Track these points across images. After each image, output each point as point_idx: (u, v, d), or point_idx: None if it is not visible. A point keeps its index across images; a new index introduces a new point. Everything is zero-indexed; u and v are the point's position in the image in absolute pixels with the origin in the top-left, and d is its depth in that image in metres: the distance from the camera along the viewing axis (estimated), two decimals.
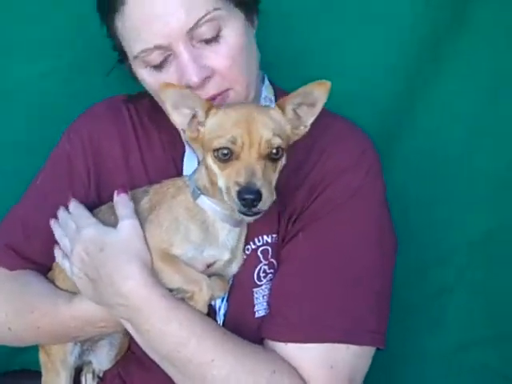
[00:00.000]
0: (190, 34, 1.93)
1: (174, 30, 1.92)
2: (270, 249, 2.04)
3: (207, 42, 1.95)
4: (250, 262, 2.01)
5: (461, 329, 2.71)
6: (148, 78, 2.02)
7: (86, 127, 2.18)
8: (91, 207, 2.06)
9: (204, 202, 1.92)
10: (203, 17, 1.92)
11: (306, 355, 1.91)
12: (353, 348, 1.92)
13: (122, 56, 2.11)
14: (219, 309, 2.04)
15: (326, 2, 2.49)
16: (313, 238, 1.98)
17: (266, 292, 2.02)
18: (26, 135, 2.57)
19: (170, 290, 1.89)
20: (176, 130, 2.00)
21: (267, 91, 2.17)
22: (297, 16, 2.50)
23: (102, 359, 2.19)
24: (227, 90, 1.99)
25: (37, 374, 2.54)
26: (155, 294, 1.86)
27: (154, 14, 1.92)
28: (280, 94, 2.12)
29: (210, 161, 1.83)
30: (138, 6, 1.94)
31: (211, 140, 1.83)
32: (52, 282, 2.12)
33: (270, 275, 2.03)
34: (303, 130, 1.88)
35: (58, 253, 2.04)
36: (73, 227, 1.97)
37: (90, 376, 2.22)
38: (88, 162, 2.15)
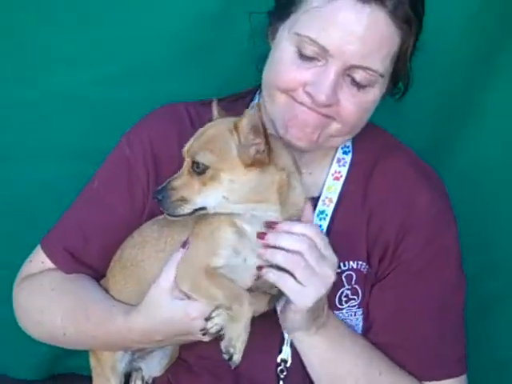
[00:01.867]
0: (351, 67, 1.94)
1: (345, 52, 1.92)
2: (354, 274, 2.09)
3: (353, 83, 1.97)
4: (333, 285, 1.99)
5: None
6: (287, 54, 1.98)
7: (147, 131, 2.17)
8: (150, 214, 2.08)
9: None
10: (370, 69, 1.94)
11: None
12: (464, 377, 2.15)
13: (281, 13, 2.05)
14: None
15: None
16: (419, 287, 2.09)
17: (346, 316, 2.09)
18: (79, 141, 2.59)
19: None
20: None
21: None
22: None
23: (153, 367, 2.20)
24: (333, 119, 2.00)
25: (84, 378, 2.61)
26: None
27: (347, 26, 1.91)
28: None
29: None
30: (345, 5, 1.92)
31: None
32: (105, 289, 2.12)
33: (353, 301, 2.09)
34: (258, 157, 1.86)
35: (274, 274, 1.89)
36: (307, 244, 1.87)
37: (139, 382, 2.23)
38: (148, 166, 2.14)
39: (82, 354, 2.52)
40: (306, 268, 1.82)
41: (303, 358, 2.03)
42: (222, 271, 1.88)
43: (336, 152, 2.16)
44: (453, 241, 2.14)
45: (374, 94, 2.00)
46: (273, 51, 2.06)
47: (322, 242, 1.86)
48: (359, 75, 1.95)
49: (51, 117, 2.59)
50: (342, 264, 2.07)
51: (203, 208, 1.87)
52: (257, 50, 2.20)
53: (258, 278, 1.88)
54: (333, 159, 2.16)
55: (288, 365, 2.08)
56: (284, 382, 2.08)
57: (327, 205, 2.10)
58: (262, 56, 2.11)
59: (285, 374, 2.08)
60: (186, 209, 1.86)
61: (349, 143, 2.17)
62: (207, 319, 1.85)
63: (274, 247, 1.84)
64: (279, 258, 1.84)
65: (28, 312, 2.18)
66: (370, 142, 2.17)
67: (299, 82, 1.96)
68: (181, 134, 2.08)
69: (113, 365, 2.13)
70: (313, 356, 2.01)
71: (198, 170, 1.84)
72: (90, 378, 2.35)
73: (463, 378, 2.13)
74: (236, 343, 1.82)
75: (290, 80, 1.96)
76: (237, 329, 1.83)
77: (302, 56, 1.96)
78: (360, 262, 2.09)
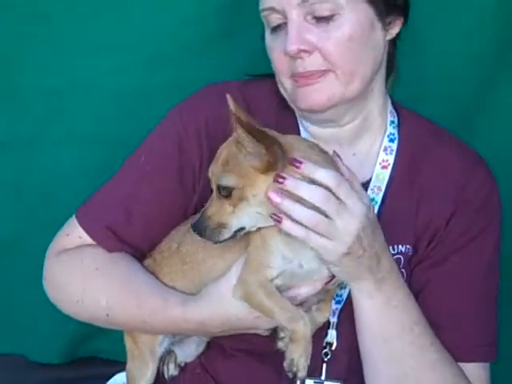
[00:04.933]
0: (303, 5, 1.96)
1: None
2: (402, 258, 2.10)
3: (318, 20, 1.98)
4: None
5: None
6: (266, 38, 2.08)
7: (203, 110, 2.11)
8: (200, 196, 2.06)
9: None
10: None
11: (477, 374, 2.10)
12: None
13: None
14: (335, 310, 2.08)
15: None
16: (461, 263, 2.11)
17: None
18: (103, 129, 2.58)
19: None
20: (294, 114, 2.09)
21: (391, 116, 2.20)
22: None
23: (189, 352, 2.19)
24: (328, 70, 2.00)
25: (106, 362, 2.62)
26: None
27: None
28: (405, 115, 2.21)
29: None
30: None
31: None
32: (152, 273, 2.08)
33: None
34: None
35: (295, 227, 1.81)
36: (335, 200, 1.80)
37: (172, 366, 2.21)
38: (202, 148, 2.09)
39: (104, 338, 2.56)
40: (324, 222, 1.77)
41: (358, 315, 1.99)
42: (279, 282, 1.85)
43: (382, 140, 2.17)
44: (497, 224, 2.17)
45: (348, 27, 1.98)
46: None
47: (344, 190, 1.79)
48: (314, 7, 1.96)
49: (75, 105, 2.58)
50: (391, 248, 2.07)
51: (242, 228, 1.83)
52: None
53: (330, 281, 1.86)
54: (379, 147, 2.17)
55: (333, 348, 2.09)
56: (328, 364, 2.09)
57: (376, 193, 2.11)
58: None
59: (329, 357, 2.09)
60: (226, 233, 1.82)
61: (394, 131, 2.18)
62: (278, 338, 1.89)
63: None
64: (297, 212, 1.77)
65: (65, 289, 2.12)
66: (416, 129, 2.19)
67: (283, 56, 2.00)
68: None
69: (152, 348, 2.10)
70: (368, 310, 1.96)
71: (225, 193, 1.80)
72: (112, 362, 2.38)
73: (487, 365, 2.14)
74: (298, 363, 1.82)
75: (278, 59, 2.03)
76: (297, 350, 1.82)
77: (274, 29, 2.03)
78: (408, 246, 2.11)
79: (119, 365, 2.27)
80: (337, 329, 2.08)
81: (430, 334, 2.03)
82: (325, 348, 2.09)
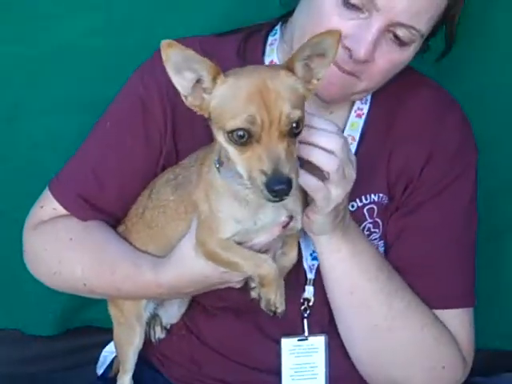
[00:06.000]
0: (396, 24, 1.90)
1: (394, 8, 1.87)
2: (375, 208, 2.10)
3: (395, 39, 1.93)
4: (356, 219, 2.03)
5: None
6: (329, 3, 1.90)
7: (162, 68, 1.96)
8: (167, 157, 2.04)
9: (226, 175, 1.76)
10: (413, 28, 1.91)
11: (457, 320, 2.10)
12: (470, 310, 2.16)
13: None
14: (312, 266, 2.08)
15: None
16: (436, 210, 2.10)
17: None
18: (83, 93, 2.54)
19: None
20: None
21: None
22: None
23: (172, 314, 2.21)
24: (359, 78, 1.97)
25: (100, 331, 2.63)
26: None
27: None
28: None
29: (223, 140, 1.66)
30: None
31: (222, 118, 1.65)
32: (126, 239, 2.09)
33: (374, 234, 2.10)
34: (316, 83, 1.73)
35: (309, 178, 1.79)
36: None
37: (158, 329, 2.24)
38: (165, 107, 2.05)
39: (97, 306, 2.55)
40: (339, 170, 1.76)
41: (326, 270, 2.01)
42: (236, 239, 1.83)
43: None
44: (473, 169, 2.16)
45: (409, 53, 1.98)
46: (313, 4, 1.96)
47: (347, 144, 1.82)
48: (402, 32, 1.91)
49: (54, 70, 2.53)
50: (363, 198, 2.09)
51: None
52: None
53: (287, 225, 1.84)
54: None
55: (311, 303, 2.10)
56: (308, 320, 2.10)
57: (350, 142, 2.08)
58: None
59: (308, 312, 2.10)
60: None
61: None
62: (251, 289, 1.91)
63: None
64: (317, 156, 1.74)
65: (43, 261, 2.15)
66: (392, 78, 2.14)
67: (342, 36, 1.86)
68: None
69: (138, 313, 2.12)
70: (337, 264, 1.98)
71: (298, 130, 1.64)
72: (106, 330, 2.39)
73: (469, 310, 2.15)
74: (275, 302, 1.83)
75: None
76: (270, 291, 1.83)
77: (347, 3, 1.88)
78: (381, 195, 2.10)
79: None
80: (313, 285, 2.09)
81: (395, 280, 2.04)
82: (303, 304, 2.10)
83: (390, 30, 1.91)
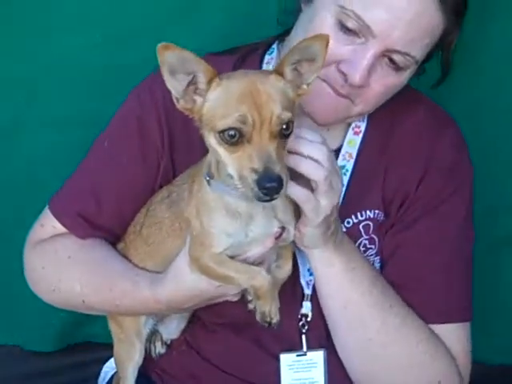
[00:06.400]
0: (391, 50, 1.93)
1: (389, 36, 1.90)
2: (371, 224, 2.11)
3: (390, 64, 1.96)
4: (351, 235, 2.05)
5: None
6: (326, 26, 1.92)
7: (159, 87, 2.00)
8: (164, 173, 2.07)
9: (217, 187, 1.78)
10: (408, 55, 1.94)
11: (454, 335, 2.10)
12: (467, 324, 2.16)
13: None
14: (309, 281, 2.09)
15: None
16: (432, 226, 2.11)
17: None
18: (79, 109, 2.56)
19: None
20: None
21: None
22: None
23: (172, 330, 2.23)
24: (354, 102, 2.00)
25: (100, 347, 2.64)
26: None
27: (397, 9, 1.88)
28: None
29: (214, 142, 1.67)
30: None
31: (213, 119, 1.66)
32: (125, 256, 2.12)
33: (370, 250, 2.12)
34: (306, 89, 1.75)
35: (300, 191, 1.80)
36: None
37: (158, 344, 2.26)
38: (162, 125, 2.08)
39: (98, 322, 2.56)
40: (326, 179, 1.78)
41: (320, 285, 2.02)
42: (228, 253, 1.84)
43: None
44: (468, 186, 2.17)
45: (404, 77, 2.01)
46: (309, 17, 2.00)
47: (333, 155, 1.83)
48: (397, 57, 1.94)
49: (51, 86, 2.57)
50: (359, 214, 2.10)
51: None
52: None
53: (280, 236, 1.85)
54: None
55: (309, 319, 2.11)
56: (307, 335, 2.11)
57: (347, 160, 2.12)
58: (286, 10, 2.10)
59: (306, 327, 2.11)
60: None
61: None
62: (248, 302, 1.92)
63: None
64: (305, 165, 1.76)
65: (42, 279, 2.18)
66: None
67: (335, 57, 1.92)
68: None
69: (138, 330, 2.14)
70: (330, 278, 2.00)
71: (288, 132, 1.66)
72: (106, 346, 2.38)
73: (466, 325, 2.16)
74: (270, 313, 1.85)
75: (328, 54, 1.74)
76: (265, 303, 1.85)
77: (343, 28, 1.92)
78: (376, 211, 2.12)
79: None
80: (311, 300, 2.10)
81: (389, 295, 2.05)
82: (301, 320, 2.12)
83: (385, 55, 1.94)
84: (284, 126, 1.64)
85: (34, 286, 2.22)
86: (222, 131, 1.63)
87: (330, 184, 1.80)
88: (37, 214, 2.26)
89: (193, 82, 1.70)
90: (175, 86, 1.69)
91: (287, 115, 1.64)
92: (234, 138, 1.62)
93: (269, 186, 1.60)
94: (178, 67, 1.67)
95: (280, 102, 1.64)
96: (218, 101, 1.68)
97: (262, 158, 1.61)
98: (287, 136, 1.67)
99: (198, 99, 1.70)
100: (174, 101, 1.72)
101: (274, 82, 1.69)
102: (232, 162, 1.65)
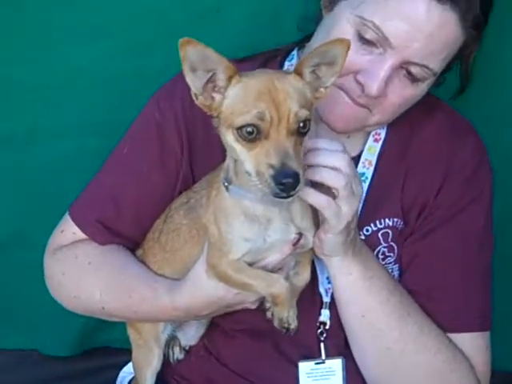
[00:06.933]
0: (409, 63, 1.93)
1: (408, 48, 1.90)
2: (390, 232, 2.11)
3: (408, 76, 1.96)
4: (370, 243, 2.06)
5: None
6: (345, 35, 1.86)
7: (178, 94, 2.07)
8: (183, 180, 2.07)
9: (235, 192, 1.79)
10: (427, 67, 1.95)
11: (473, 344, 2.10)
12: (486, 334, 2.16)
13: None
14: (328, 289, 2.10)
15: None
16: (451, 234, 2.11)
17: None
18: (97, 117, 2.58)
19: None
20: None
21: None
22: None
23: (190, 336, 2.23)
24: (371, 112, 2.01)
25: (118, 352, 2.65)
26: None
27: (416, 22, 1.88)
28: None
29: (231, 139, 1.69)
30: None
31: (232, 116, 1.68)
32: (144, 263, 2.13)
33: (389, 258, 2.12)
34: (323, 92, 1.76)
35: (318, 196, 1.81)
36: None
37: (177, 349, 2.26)
38: (181, 132, 2.09)
39: (115, 327, 2.57)
40: (347, 186, 1.79)
41: (338, 293, 2.03)
42: (247, 259, 1.85)
43: None
44: (488, 194, 2.17)
45: (422, 89, 2.01)
46: (328, 26, 2.01)
47: (352, 161, 1.83)
48: (415, 69, 1.95)
49: (66, 95, 2.58)
50: (378, 222, 2.11)
51: None
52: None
53: (297, 242, 1.86)
54: None
55: (327, 327, 2.11)
56: (325, 343, 2.12)
57: (367, 167, 2.13)
58: (306, 17, 2.10)
59: (325, 335, 2.12)
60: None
61: None
62: (266, 309, 1.92)
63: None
64: (324, 174, 1.77)
65: (63, 285, 2.19)
66: None
67: (353, 67, 1.93)
68: None
69: (156, 336, 2.15)
70: (348, 286, 2.00)
71: (305, 130, 1.68)
72: (124, 351, 2.40)
73: (485, 333, 2.15)
74: (288, 319, 1.86)
75: (346, 64, 1.75)
76: (283, 310, 1.86)
77: (362, 39, 1.93)
78: (395, 219, 2.12)
79: (131, 353, 2.29)
80: (330, 308, 2.10)
81: (407, 304, 2.05)
82: (319, 328, 2.12)
83: (403, 67, 1.94)
84: (301, 124, 1.66)
85: (54, 292, 2.23)
86: (240, 127, 1.65)
87: (351, 190, 1.81)
88: (55, 220, 2.28)
89: (211, 80, 1.72)
90: (195, 82, 1.71)
91: (305, 113, 1.66)
92: (252, 134, 1.64)
93: (285, 182, 1.61)
94: (198, 64, 1.68)
95: (297, 101, 1.66)
96: (237, 98, 1.69)
97: (279, 154, 1.63)
98: (304, 134, 1.68)
99: (217, 96, 1.72)
100: (193, 97, 1.74)
101: (292, 81, 1.71)
102: (249, 159, 1.67)
